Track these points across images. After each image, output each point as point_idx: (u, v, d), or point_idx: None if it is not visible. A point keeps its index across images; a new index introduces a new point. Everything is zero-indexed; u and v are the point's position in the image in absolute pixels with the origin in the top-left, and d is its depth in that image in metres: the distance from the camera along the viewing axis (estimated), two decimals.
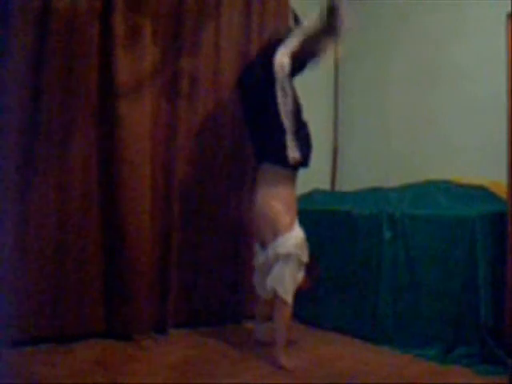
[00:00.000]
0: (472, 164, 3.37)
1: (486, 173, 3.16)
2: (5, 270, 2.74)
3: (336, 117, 4.42)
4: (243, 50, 3.57)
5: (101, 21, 3.03)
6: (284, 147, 2.81)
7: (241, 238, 3.51)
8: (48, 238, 2.87)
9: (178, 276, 3.28)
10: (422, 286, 2.97)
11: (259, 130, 2.98)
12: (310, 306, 3.40)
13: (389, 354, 2.94)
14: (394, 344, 3.01)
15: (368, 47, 4.18)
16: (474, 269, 2.76)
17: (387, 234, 3.15)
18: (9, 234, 2.78)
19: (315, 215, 3.54)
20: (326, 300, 3.40)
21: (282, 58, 2.81)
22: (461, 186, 3.16)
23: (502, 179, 2.77)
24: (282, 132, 2.80)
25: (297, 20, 3.19)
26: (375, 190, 3.61)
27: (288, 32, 3.02)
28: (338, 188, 4.36)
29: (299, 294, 2.83)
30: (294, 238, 2.79)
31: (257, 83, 2.92)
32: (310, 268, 2.87)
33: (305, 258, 2.81)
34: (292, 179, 2.94)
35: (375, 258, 3.18)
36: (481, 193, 3.02)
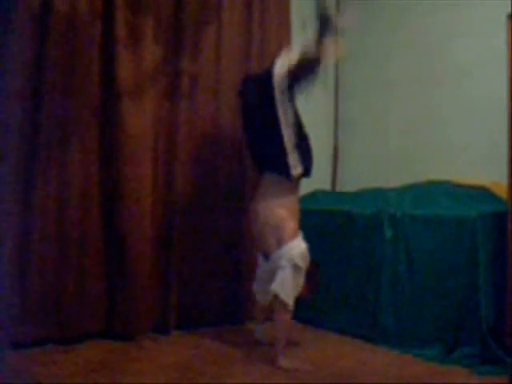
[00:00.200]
0: (472, 164, 3.36)
1: (486, 173, 3.16)
2: (6, 271, 2.75)
3: (336, 117, 4.42)
4: (244, 50, 3.57)
5: (102, 21, 3.04)
6: (286, 163, 2.80)
7: (242, 238, 3.50)
8: (49, 239, 2.87)
9: (180, 277, 3.28)
10: (422, 286, 2.96)
11: (260, 142, 2.97)
12: (310, 306, 3.39)
13: (389, 354, 2.94)
14: (394, 344, 3.01)
15: (368, 47, 4.17)
16: (474, 269, 2.75)
17: (388, 234, 3.15)
18: (10, 235, 2.78)
19: (316, 215, 3.54)
20: (327, 300, 3.40)
21: (281, 69, 2.80)
22: (461, 186, 3.15)
23: (503, 180, 2.77)
24: (284, 148, 2.79)
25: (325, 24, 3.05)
26: (376, 191, 3.61)
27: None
28: (338, 188, 4.35)
29: (299, 300, 2.84)
30: (297, 247, 2.78)
31: (257, 96, 2.91)
32: (310, 276, 2.86)
33: (305, 267, 2.80)
34: (295, 188, 2.95)
35: (376, 258, 3.18)
36: (481, 193, 3.02)
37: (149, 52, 3.17)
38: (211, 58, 3.45)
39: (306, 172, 2.91)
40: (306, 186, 3.54)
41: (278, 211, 2.86)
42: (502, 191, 2.89)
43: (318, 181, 4.08)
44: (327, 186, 4.35)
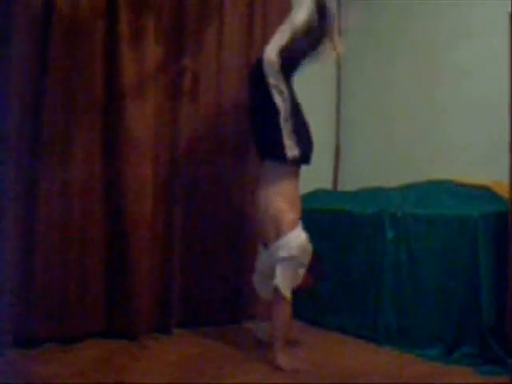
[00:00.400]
0: (474, 164, 3.36)
1: (488, 173, 3.15)
2: (7, 271, 2.75)
3: (338, 116, 4.42)
4: (246, 49, 3.56)
5: (105, 20, 3.04)
6: (282, 145, 2.80)
7: (243, 238, 3.50)
8: (51, 238, 2.87)
9: (181, 276, 3.28)
10: (423, 285, 2.96)
11: (259, 127, 2.98)
12: (311, 305, 3.40)
13: (390, 353, 2.94)
14: (395, 344, 3.01)
15: (371, 47, 4.17)
16: (475, 269, 2.75)
17: (389, 234, 3.14)
18: (12, 234, 2.79)
19: (317, 215, 3.53)
20: (328, 299, 3.40)
21: (270, 53, 2.80)
22: (463, 185, 3.15)
23: (504, 179, 2.76)
24: (280, 130, 2.79)
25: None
26: (377, 190, 3.61)
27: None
28: (340, 188, 4.35)
29: (302, 292, 2.83)
30: (297, 239, 2.77)
31: (256, 81, 2.92)
32: (312, 266, 2.86)
33: (306, 260, 2.80)
34: (295, 176, 2.93)
35: (377, 257, 3.18)
36: (483, 193, 3.01)
37: (151, 51, 3.17)
38: (213, 56, 3.44)
39: (305, 157, 2.90)
40: (308, 185, 3.55)
41: (277, 201, 2.85)
42: (503, 190, 2.88)
43: (319, 180, 4.10)
44: (328, 186, 4.35)
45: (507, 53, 2.67)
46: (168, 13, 3.27)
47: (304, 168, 2.99)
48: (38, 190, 2.85)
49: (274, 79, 2.79)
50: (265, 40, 3.60)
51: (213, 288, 3.40)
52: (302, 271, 2.79)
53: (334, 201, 3.76)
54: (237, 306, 3.49)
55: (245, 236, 3.49)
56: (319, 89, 4.20)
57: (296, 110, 2.88)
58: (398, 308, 3.06)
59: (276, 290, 2.72)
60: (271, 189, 2.89)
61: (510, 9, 2.64)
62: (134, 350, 2.88)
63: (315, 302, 3.41)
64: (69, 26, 2.93)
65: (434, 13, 3.69)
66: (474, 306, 2.73)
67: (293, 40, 2.84)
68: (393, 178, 3.69)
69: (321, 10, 2.93)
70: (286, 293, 2.70)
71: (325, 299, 3.40)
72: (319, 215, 3.55)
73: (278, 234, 2.82)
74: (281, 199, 2.86)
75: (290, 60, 2.85)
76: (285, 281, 2.71)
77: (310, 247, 2.81)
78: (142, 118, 3.12)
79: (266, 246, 2.93)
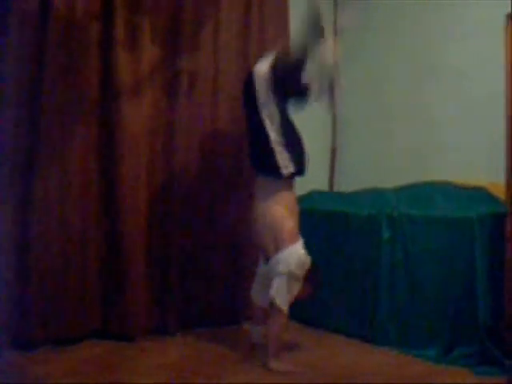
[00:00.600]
0: (471, 165, 3.36)
1: (485, 174, 3.16)
2: (3, 273, 2.74)
3: (334, 117, 4.42)
4: (243, 49, 3.56)
5: (101, 21, 3.03)
6: (275, 164, 2.78)
7: (240, 240, 3.50)
8: (48, 240, 2.86)
9: (178, 278, 3.27)
10: (420, 286, 2.97)
11: (251, 143, 2.97)
12: (308, 306, 3.39)
13: (387, 354, 2.94)
14: (392, 344, 3.01)
15: (367, 47, 4.17)
16: (472, 270, 2.76)
17: (386, 235, 3.15)
18: (10, 236, 2.78)
19: (313, 216, 3.53)
20: (325, 301, 3.40)
21: (261, 68, 2.80)
22: (459, 187, 3.15)
23: (501, 180, 2.77)
24: (271, 149, 2.78)
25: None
26: (374, 191, 3.61)
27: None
28: (336, 189, 4.35)
29: (299, 301, 2.83)
30: (295, 254, 2.75)
31: (247, 96, 2.91)
32: (310, 276, 2.84)
33: (303, 274, 2.77)
34: (290, 185, 2.93)
35: (374, 258, 3.18)
36: (480, 194, 3.02)
37: (147, 52, 3.17)
38: (209, 57, 3.44)
39: (299, 171, 2.89)
40: (303, 187, 3.55)
41: (276, 210, 2.84)
42: (499, 192, 2.89)
43: (315, 181, 4.09)
44: (324, 187, 4.35)
45: (503, 53, 2.68)
46: (164, 14, 3.27)
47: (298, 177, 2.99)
48: (34, 191, 2.84)
49: (264, 94, 2.78)
50: (261, 41, 3.62)
51: (210, 290, 3.39)
52: (298, 284, 2.78)
53: (330, 202, 3.76)
54: (234, 308, 3.48)
55: (243, 237, 3.47)
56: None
57: (286, 123, 2.86)
58: (394, 309, 3.06)
59: (272, 302, 2.73)
60: (268, 198, 2.87)
61: (508, 9, 2.66)
62: (131, 351, 2.88)
63: (312, 303, 3.40)
64: (65, 26, 2.93)
65: (432, 13, 3.69)
66: (470, 307, 2.74)
67: (285, 55, 2.82)
68: (389, 180, 3.69)
69: (313, 19, 2.90)
70: (284, 308, 2.71)
71: (322, 300, 3.39)
72: (315, 216, 3.55)
73: (277, 244, 2.80)
74: (279, 207, 2.85)
75: (280, 75, 2.80)
76: (282, 294, 2.71)
77: (308, 260, 2.79)
78: (137, 118, 3.12)
79: (266, 258, 2.91)
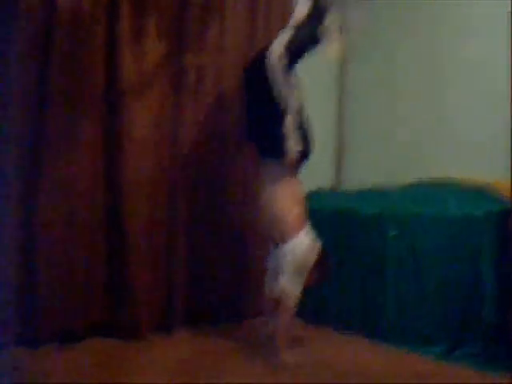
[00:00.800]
0: (477, 163, 3.35)
1: (491, 172, 3.15)
2: (7, 269, 2.76)
3: (341, 115, 4.42)
4: (248, 46, 3.55)
5: (106, 18, 3.04)
6: (285, 147, 2.78)
7: (246, 237, 3.51)
8: (52, 238, 2.86)
9: (183, 274, 3.28)
10: (426, 284, 2.96)
11: (260, 123, 2.94)
12: (314, 304, 3.39)
13: (392, 352, 2.94)
14: (397, 343, 3.00)
15: (373, 45, 4.17)
16: (478, 268, 2.76)
17: (391, 234, 3.14)
18: (12, 234, 2.79)
19: (319, 214, 3.51)
20: (331, 298, 3.40)
21: (278, 48, 2.78)
22: (466, 185, 3.15)
23: (507, 178, 2.77)
24: (283, 132, 2.77)
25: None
26: (379, 190, 3.61)
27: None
28: (341, 187, 4.35)
29: (309, 288, 2.83)
30: (301, 245, 2.76)
31: (256, 79, 2.90)
32: (320, 262, 2.84)
33: (311, 262, 2.79)
34: (295, 174, 2.92)
35: (379, 257, 3.18)
36: (485, 192, 3.01)
37: (153, 49, 3.17)
38: (215, 53, 3.44)
39: (306, 153, 2.88)
40: (309, 185, 3.55)
41: (280, 197, 2.85)
42: (505, 190, 2.88)
43: (321, 179, 4.10)
44: (330, 185, 4.35)
45: (507, 51, 2.68)
46: (170, 10, 3.26)
47: (306, 167, 2.99)
48: (38, 189, 2.84)
49: (279, 76, 2.76)
50: (268, 36, 3.62)
51: (215, 286, 3.39)
52: (306, 274, 2.78)
53: (336, 200, 3.77)
54: (239, 305, 3.48)
55: (249, 232, 3.48)
56: (321, 88, 4.20)
57: (300, 107, 2.86)
58: (400, 307, 3.06)
59: (281, 291, 2.74)
60: (273, 187, 2.88)
61: (509, 8, 2.66)
62: (135, 349, 2.88)
63: (319, 301, 3.40)
64: (70, 24, 2.93)
65: (438, 11, 3.69)
66: (476, 305, 2.74)
67: (297, 35, 2.82)
68: (395, 178, 3.69)
69: (319, 10, 2.92)
70: (290, 302, 2.72)
71: (327, 297, 3.40)
72: (321, 215, 3.54)
73: (283, 234, 2.82)
74: (283, 194, 2.85)
75: (296, 54, 2.82)
76: (289, 286, 2.72)
77: (315, 248, 2.79)
78: (143, 116, 3.12)
79: (276, 244, 2.92)
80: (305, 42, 2.89)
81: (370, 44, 4.17)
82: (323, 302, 3.43)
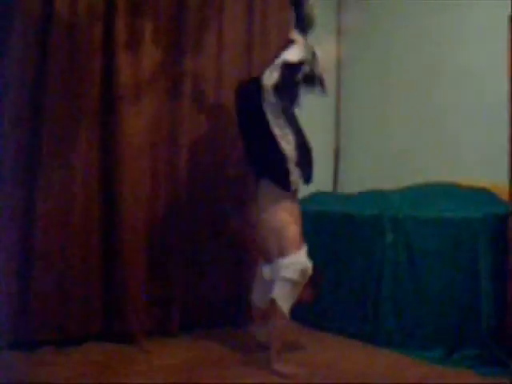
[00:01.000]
0: (474, 166, 3.36)
1: (488, 175, 3.16)
2: (4, 273, 2.75)
3: (338, 118, 4.42)
4: (246, 50, 3.56)
5: (102, 23, 3.04)
6: (287, 178, 2.79)
7: (243, 241, 3.49)
8: (49, 242, 2.87)
9: (181, 279, 3.28)
10: (423, 287, 2.96)
11: (258, 151, 2.93)
12: (311, 308, 3.39)
13: (390, 356, 2.93)
14: (395, 346, 3.00)
15: (369, 48, 4.18)
16: (476, 271, 2.75)
17: (389, 236, 3.15)
18: (9, 237, 2.79)
19: (317, 217, 3.53)
20: (328, 302, 3.40)
21: (267, 82, 2.76)
22: (463, 187, 3.15)
23: (504, 181, 2.77)
24: (284, 162, 2.77)
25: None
26: (377, 192, 3.61)
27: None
28: (339, 190, 4.36)
29: (301, 305, 2.83)
30: (298, 264, 2.74)
31: (250, 105, 2.88)
32: (314, 281, 2.84)
33: (305, 280, 2.77)
34: (295, 195, 2.92)
35: (377, 259, 3.18)
36: (482, 195, 3.01)
37: (149, 55, 3.17)
38: (213, 57, 3.44)
39: (306, 181, 2.90)
40: (307, 188, 3.54)
41: (280, 214, 2.85)
42: (502, 193, 2.88)
43: (318, 182, 4.08)
44: (328, 188, 4.35)
45: (506, 54, 2.68)
46: (167, 15, 3.27)
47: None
48: (35, 192, 2.84)
49: (271, 106, 2.76)
50: (265, 42, 3.62)
51: (213, 291, 3.38)
52: (299, 290, 2.77)
53: (334, 203, 3.77)
54: (236, 309, 3.47)
55: (245, 238, 3.47)
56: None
57: (300, 137, 2.85)
58: (397, 310, 3.06)
59: (273, 303, 2.72)
60: (273, 205, 2.87)
61: (509, 10, 2.66)
62: (133, 353, 2.88)
63: (315, 305, 3.40)
64: (67, 29, 2.93)
65: (434, 14, 3.69)
66: (474, 308, 2.73)
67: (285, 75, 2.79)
68: (393, 181, 3.69)
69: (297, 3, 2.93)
70: (284, 309, 2.70)
71: (325, 301, 3.39)
72: (319, 218, 3.55)
73: (281, 249, 2.80)
74: (284, 213, 2.84)
75: (284, 91, 2.79)
76: (283, 298, 2.71)
77: (310, 268, 2.78)
78: (139, 121, 3.12)
79: (267, 261, 2.91)
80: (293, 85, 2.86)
81: (368, 47, 4.18)
82: (321, 305, 3.42)
